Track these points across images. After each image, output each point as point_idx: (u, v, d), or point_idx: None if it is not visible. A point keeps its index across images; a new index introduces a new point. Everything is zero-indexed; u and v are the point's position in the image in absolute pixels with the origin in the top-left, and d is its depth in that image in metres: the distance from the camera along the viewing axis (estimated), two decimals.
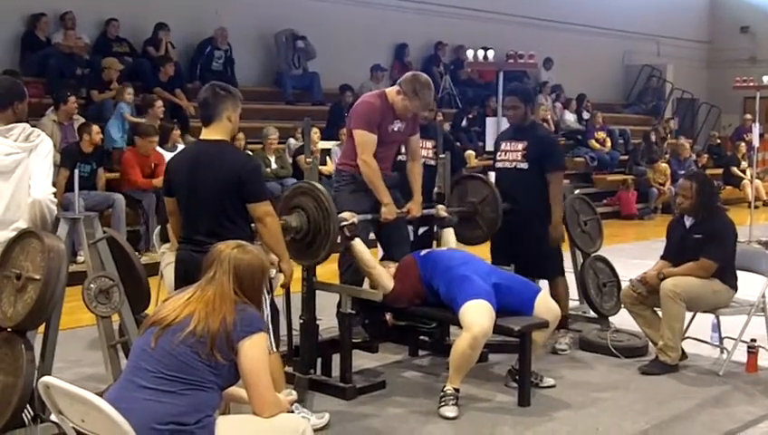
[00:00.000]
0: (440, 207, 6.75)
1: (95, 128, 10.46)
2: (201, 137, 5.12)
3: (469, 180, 7.22)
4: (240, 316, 3.65)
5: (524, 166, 6.96)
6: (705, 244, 6.56)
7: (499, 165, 7.14)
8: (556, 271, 7.11)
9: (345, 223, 5.79)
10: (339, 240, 5.86)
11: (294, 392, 4.07)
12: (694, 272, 6.53)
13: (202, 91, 5.18)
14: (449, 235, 7.09)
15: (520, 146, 7.00)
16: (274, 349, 4.95)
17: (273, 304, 5.04)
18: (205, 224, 4.93)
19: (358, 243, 5.94)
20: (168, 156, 10.97)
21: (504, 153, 7.10)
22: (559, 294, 7.01)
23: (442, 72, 18.14)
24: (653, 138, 19.03)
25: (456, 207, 6.96)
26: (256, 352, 3.65)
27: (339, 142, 13.65)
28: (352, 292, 5.97)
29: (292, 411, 4.77)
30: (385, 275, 6.00)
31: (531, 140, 6.99)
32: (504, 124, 12.27)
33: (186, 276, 4.73)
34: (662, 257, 6.91)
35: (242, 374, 3.65)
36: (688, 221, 6.76)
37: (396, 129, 6.34)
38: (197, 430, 3.50)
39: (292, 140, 13.12)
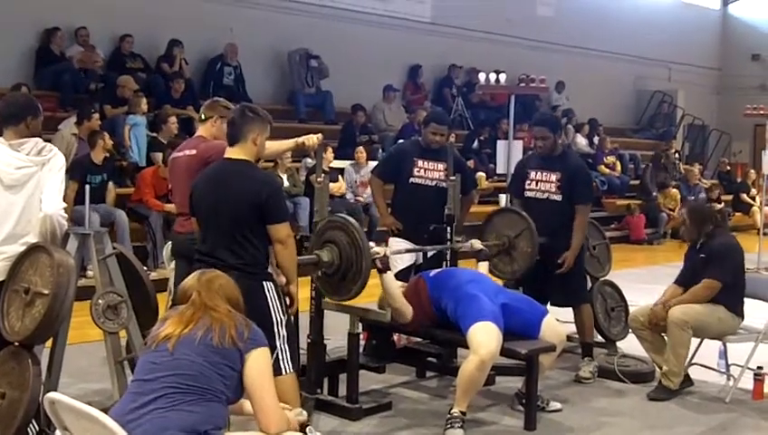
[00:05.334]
0: (475, 241, 6.65)
1: (105, 134, 10.46)
2: (225, 156, 5.09)
3: (504, 214, 7.12)
4: (251, 329, 3.71)
5: (558, 198, 6.93)
6: (706, 264, 6.59)
7: (529, 194, 7.04)
8: (582, 299, 7.13)
9: (377, 256, 5.76)
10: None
11: (305, 413, 4.04)
12: (699, 294, 6.54)
13: (231, 111, 5.17)
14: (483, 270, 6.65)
15: (553, 177, 6.94)
16: (291, 370, 4.94)
17: (288, 325, 5.03)
18: (224, 242, 4.87)
19: (388, 276, 5.88)
20: None
21: (534, 183, 7.03)
22: (583, 322, 7.07)
23: (454, 93, 18.18)
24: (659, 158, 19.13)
25: (491, 242, 6.88)
26: (262, 364, 3.69)
27: (353, 162, 13.66)
28: (361, 312, 5.96)
29: (304, 433, 4.76)
30: (407, 308, 5.95)
31: (565, 172, 6.94)
32: (515, 147, 12.35)
33: None
34: (675, 281, 6.91)
35: (247, 387, 3.65)
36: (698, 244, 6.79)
37: None
38: None
39: (308, 160, 13.10)
